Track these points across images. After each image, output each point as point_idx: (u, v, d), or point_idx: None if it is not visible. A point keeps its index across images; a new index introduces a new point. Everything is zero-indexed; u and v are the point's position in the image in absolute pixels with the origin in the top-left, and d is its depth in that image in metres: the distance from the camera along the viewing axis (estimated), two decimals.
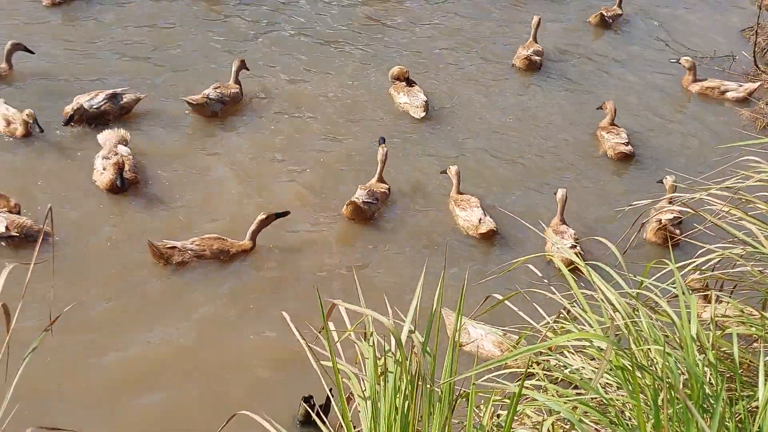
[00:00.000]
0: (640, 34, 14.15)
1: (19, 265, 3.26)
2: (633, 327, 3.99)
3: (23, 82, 10.39)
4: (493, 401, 4.04)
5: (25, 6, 11.85)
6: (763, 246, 4.66)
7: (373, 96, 11.33)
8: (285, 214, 8.74)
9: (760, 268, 4.84)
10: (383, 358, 3.96)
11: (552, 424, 3.93)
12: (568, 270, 4.34)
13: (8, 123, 9.34)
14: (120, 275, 8.03)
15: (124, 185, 8.84)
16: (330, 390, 4.30)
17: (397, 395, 3.83)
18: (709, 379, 3.87)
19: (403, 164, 10.14)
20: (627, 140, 10.85)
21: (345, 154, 10.16)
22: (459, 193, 9.51)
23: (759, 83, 12.41)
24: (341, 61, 11.95)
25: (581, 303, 4.20)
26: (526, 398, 3.98)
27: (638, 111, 12.01)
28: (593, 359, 4.20)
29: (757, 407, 3.77)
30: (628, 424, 3.78)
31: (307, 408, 6.50)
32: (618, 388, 4.00)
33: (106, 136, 9.34)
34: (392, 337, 3.87)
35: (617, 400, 3.93)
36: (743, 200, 5.16)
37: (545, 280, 4.94)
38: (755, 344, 4.69)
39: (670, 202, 9.22)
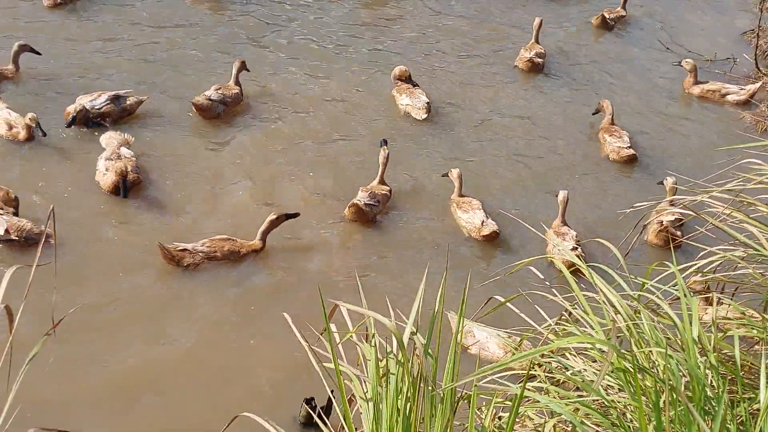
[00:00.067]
0: (642, 36, 14.16)
1: (19, 268, 3.27)
2: (634, 329, 3.99)
3: (24, 84, 10.40)
4: (495, 403, 4.04)
5: (26, 7, 11.87)
6: (764, 248, 4.66)
7: (375, 97, 11.34)
8: (295, 215, 8.76)
9: (761, 271, 4.84)
10: (385, 359, 3.97)
11: (554, 426, 3.93)
12: (570, 272, 4.34)
13: (10, 127, 9.33)
14: (122, 277, 8.04)
15: (126, 194, 8.82)
16: (331, 392, 4.31)
17: (399, 397, 3.84)
18: (711, 381, 3.87)
19: (405, 166, 10.14)
20: (629, 143, 10.85)
21: (346, 156, 10.18)
22: (461, 196, 9.52)
23: (760, 85, 12.42)
24: (343, 62, 11.96)
25: (583, 305, 4.20)
26: (528, 400, 3.98)
27: (639, 113, 12.02)
28: (595, 361, 4.20)
29: (758, 410, 3.77)
30: (629, 426, 3.78)
31: (309, 410, 6.50)
32: (620, 390, 4.00)
33: (109, 138, 9.34)
34: (394, 339, 3.88)
35: (619, 402, 3.93)
36: (745, 203, 5.16)
37: (547, 282, 4.94)
38: (757, 347, 4.69)
39: (671, 204, 9.22)
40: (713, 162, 9.66)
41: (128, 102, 10.01)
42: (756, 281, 4.80)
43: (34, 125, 9.23)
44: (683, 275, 4.32)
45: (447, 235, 9.20)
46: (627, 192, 10.25)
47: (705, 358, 3.92)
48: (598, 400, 3.92)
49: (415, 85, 11.26)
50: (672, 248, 5.23)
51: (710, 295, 5.35)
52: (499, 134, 11.07)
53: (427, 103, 11.01)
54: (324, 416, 5.30)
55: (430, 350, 3.89)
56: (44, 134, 9.27)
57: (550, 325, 4.58)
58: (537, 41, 12.67)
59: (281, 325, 4.66)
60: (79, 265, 8.04)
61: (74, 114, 9.61)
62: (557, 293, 4.63)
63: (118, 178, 8.80)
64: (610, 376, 4.00)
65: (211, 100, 10.20)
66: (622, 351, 3.85)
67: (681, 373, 3.78)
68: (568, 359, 4.26)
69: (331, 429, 4.47)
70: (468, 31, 13.32)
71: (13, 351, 3.20)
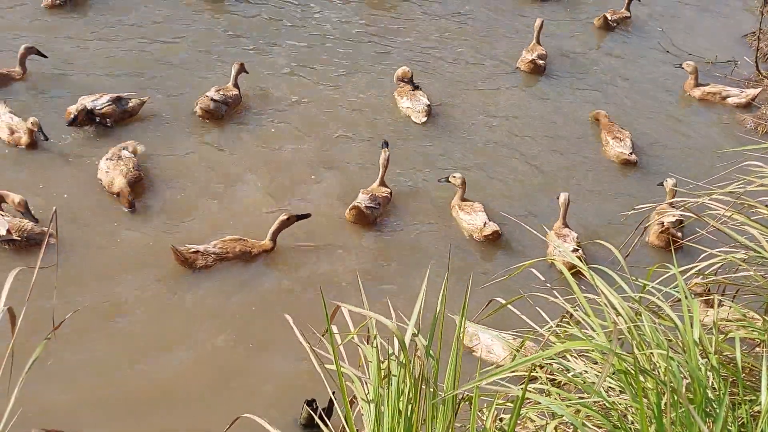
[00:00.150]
0: (643, 37, 14.16)
1: (21, 270, 3.27)
2: (635, 331, 4.00)
3: (26, 86, 10.40)
4: (497, 405, 4.04)
5: (24, 8, 11.86)
6: (765, 250, 4.67)
7: (377, 99, 11.34)
8: (306, 216, 8.78)
9: (762, 273, 4.84)
10: (387, 361, 3.97)
11: (555, 428, 3.94)
12: (571, 273, 4.35)
13: (12, 132, 9.32)
14: (125, 279, 8.04)
15: (133, 208, 8.85)
16: (333, 393, 4.31)
17: (401, 398, 3.84)
18: (712, 383, 3.88)
19: (405, 167, 10.15)
20: (631, 148, 10.84)
21: (347, 158, 10.17)
22: (463, 200, 9.52)
23: (761, 89, 12.42)
24: (344, 64, 11.96)
25: (584, 307, 4.20)
26: (529, 402, 3.98)
27: (640, 114, 12.02)
28: (596, 363, 4.20)
29: (759, 412, 3.77)
30: (630, 428, 3.79)
31: (310, 411, 6.51)
32: (621, 391, 4.01)
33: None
34: (396, 340, 3.88)
35: (620, 403, 3.93)
36: (746, 205, 5.17)
37: (548, 284, 4.94)
38: (758, 349, 4.70)
39: (671, 206, 9.23)
40: (714, 164, 9.74)
41: (130, 104, 10.01)
42: (757, 283, 4.81)
43: (35, 130, 9.22)
44: (684, 277, 4.33)
45: (448, 237, 9.21)
46: (628, 193, 10.26)
47: (706, 360, 3.92)
48: (599, 402, 3.92)
49: (416, 87, 11.25)
50: (672, 250, 5.23)
51: (711, 297, 5.35)
52: (500, 136, 11.08)
53: (428, 106, 11.01)
54: (325, 418, 5.32)
55: (431, 352, 3.90)
56: (46, 138, 9.27)
57: (552, 327, 4.58)
58: (538, 42, 12.67)
59: (283, 327, 4.66)
60: (81, 267, 8.04)
61: (75, 113, 9.61)
62: (558, 295, 4.63)
63: (125, 191, 8.81)
64: (612, 378, 4.00)
65: (214, 101, 10.21)
66: (623, 353, 3.86)
67: (682, 375, 3.78)
68: (569, 361, 4.27)
69: (332, 430, 4.48)
70: (469, 33, 13.32)
71: (14, 353, 3.21)
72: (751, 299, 5.04)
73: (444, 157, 10.42)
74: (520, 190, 10.17)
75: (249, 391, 7.13)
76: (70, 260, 8.02)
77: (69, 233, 8.28)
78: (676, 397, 3.52)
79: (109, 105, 9.83)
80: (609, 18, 14.01)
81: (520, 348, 4.75)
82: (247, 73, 10.85)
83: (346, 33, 12.74)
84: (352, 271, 8.40)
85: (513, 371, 4.74)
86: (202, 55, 11.58)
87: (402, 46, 12.69)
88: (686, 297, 3.99)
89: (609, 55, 13.47)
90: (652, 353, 3.96)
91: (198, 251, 8.22)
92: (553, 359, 4.28)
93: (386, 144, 9.73)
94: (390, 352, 3.98)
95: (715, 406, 3.66)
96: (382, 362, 3.98)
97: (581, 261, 4.77)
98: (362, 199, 9.14)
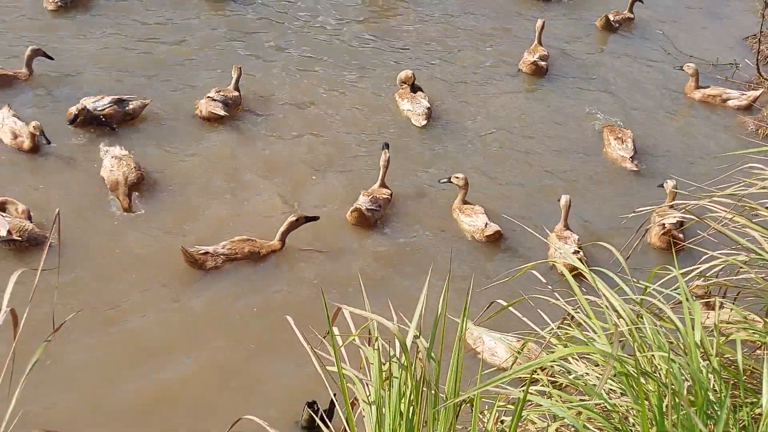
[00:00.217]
0: (645, 39, 14.15)
1: (23, 271, 3.27)
2: (637, 333, 4.00)
3: (28, 88, 10.41)
4: (498, 407, 4.04)
5: (28, 11, 11.87)
6: (766, 253, 4.67)
7: (378, 101, 11.34)
8: (315, 218, 8.81)
9: (763, 275, 4.85)
10: (388, 363, 3.97)
11: (556, 430, 3.94)
12: (572, 275, 4.35)
13: (15, 136, 9.30)
14: (126, 281, 8.05)
15: (130, 211, 8.86)
16: (334, 395, 4.32)
17: (402, 400, 3.84)
18: (713, 385, 3.88)
19: (405, 169, 10.15)
20: (633, 150, 10.84)
21: (347, 160, 10.18)
22: (464, 202, 9.52)
23: (761, 91, 12.42)
24: (345, 67, 11.95)
25: (585, 309, 4.21)
26: (531, 404, 3.99)
27: (641, 116, 12.02)
28: (597, 365, 4.20)
29: (760, 414, 3.77)
30: (632, 430, 3.79)
31: (311, 413, 6.51)
32: (622, 394, 4.01)
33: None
34: (397, 342, 3.89)
35: (621, 406, 3.93)
36: (747, 207, 5.17)
37: (549, 286, 4.95)
38: (759, 351, 4.70)
39: (671, 207, 9.25)
40: (715, 166, 9.74)
41: (131, 105, 10.01)
42: (758, 286, 4.81)
43: (38, 133, 9.20)
44: (685, 279, 4.33)
45: (449, 240, 9.21)
46: (629, 195, 10.26)
47: (707, 362, 3.92)
48: (600, 404, 3.92)
49: (417, 89, 11.25)
50: (674, 252, 5.24)
51: (711, 299, 5.36)
52: (501, 138, 11.07)
53: (428, 109, 11.00)
54: (326, 419, 5.31)
55: (432, 354, 3.90)
56: (48, 142, 9.26)
57: (553, 329, 4.59)
58: (540, 43, 12.67)
59: (284, 329, 4.67)
60: (82, 269, 8.04)
61: (76, 113, 9.62)
62: (559, 297, 4.64)
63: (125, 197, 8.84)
64: (613, 380, 4.01)
65: (213, 100, 10.23)
66: (625, 356, 3.86)
67: (683, 378, 3.79)
68: (570, 363, 4.27)
69: None
70: (470, 34, 13.31)
71: (15, 356, 3.21)
72: (753, 302, 5.05)
73: (444, 159, 10.42)
74: (520, 192, 10.17)
75: (250, 392, 7.14)
76: (72, 262, 8.01)
77: (71, 235, 8.27)
78: (677, 400, 3.52)
79: (110, 106, 9.84)
80: (612, 19, 14.00)
81: (521, 350, 4.75)
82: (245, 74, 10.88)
83: (347, 35, 12.74)
84: (353, 273, 8.40)
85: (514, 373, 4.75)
86: (204, 57, 11.58)
87: (403, 47, 12.67)
88: (687, 299, 3.99)
89: (611, 57, 13.46)
90: (653, 356, 3.96)
91: (207, 252, 8.26)
92: (554, 362, 4.29)
93: (387, 145, 9.74)
94: (391, 354, 3.98)
95: (716, 409, 3.66)
96: (384, 364, 3.99)
97: (582, 263, 4.78)
98: (363, 201, 9.14)
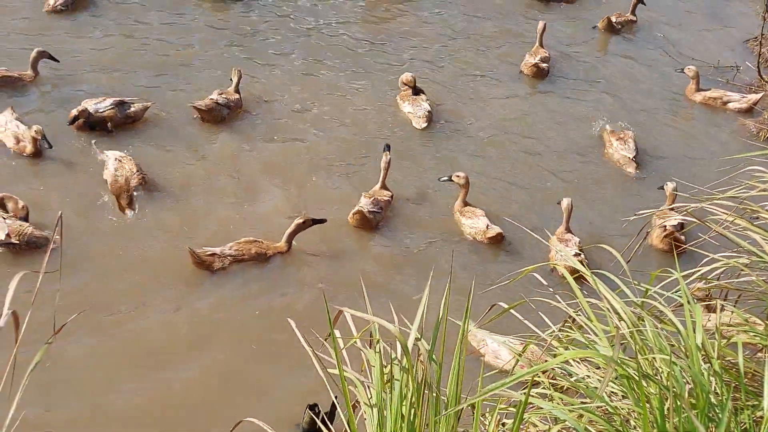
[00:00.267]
0: (647, 42, 14.15)
1: (25, 274, 3.27)
2: (638, 336, 4.00)
3: (31, 90, 10.41)
4: (499, 410, 4.04)
5: (27, 13, 11.87)
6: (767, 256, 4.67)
7: (379, 103, 11.34)
8: (322, 221, 8.85)
9: (764, 278, 4.85)
10: (389, 365, 3.97)
11: None
12: (573, 278, 4.35)
13: (18, 141, 9.29)
14: (128, 284, 8.05)
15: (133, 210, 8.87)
16: (335, 397, 4.32)
17: (404, 403, 3.84)
18: (715, 388, 3.88)
19: (407, 171, 10.15)
20: (635, 151, 10.84)
21: (348, 161, 10.18)
22: (465, 204, 9.52)
23: (762, 94, 12.42)
24: (347, 70, 11.96)
25: (586, 311, 4.21)
26: (532, 406, 3.98)
27: (642, 119, 12.02)
28: (598, 368, 4.20)
29: (762, 417, 3.77)
30: None
31: (312, 415, 6.51)
32: (623, 396, 4.01)
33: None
34: (398, 345, 3.89)
35: (622, 408, 3.93)
36: (748, 210, 5.17)
37: (550, 289, 4.95)
38: (760, 354, 4.70)
39: (671, 209, 9.26)
40: (716, 169, 9.73)
41: (133, 108, 10.02)
42: (759, 289, 4.81)
43: (40, 138, 9.19)
44: (686, 282, 4.33)
45: (450, 241, 9.21)
46: (630, 198, 10.26)
47: (708, 365, 3.92)
48: (602, 407, 3.92)
49: (419, 92, 11.25)
50: (675, 255, 5.24)
51: (713, 302, 5.36)
52: (502, 140, 11.08)
53: (428, 111, 11.01)
54: (327, 422, 5.31)
55: (434, 356, 3.90)
56: (50, 146, 9.25)
57: (554, 331, 4.59)
58: (541, 45, 12.68)
59: (285, 330, 4.67)
60: (84, 271, 8.04)
61: (76, 114, 9.63)
62: (560, 299, 4.64)
63: (125, 195, 8.84)
64: (614, 383, 4.01)
65: (216, 103, 10.25)
66: (626, 358, 3.86)
67: (685, 380, 3.79)
68: (571, 366, 4.27)
69: None
70: (472, 37, 13.31)
71: (16, 358, 3.20)
72: (754, 304, 5.05)
73: (445, 162, 10.41)
74: (522, 194, 10.17)
75: (251, 394, 7.14)
76: (75, 265, 8.01)
77: (74, 237, 8.28)
78: (679, 403, 3.52)
79: (111, 108, 9.84)
80: (613, 21, 14.01)
81: (522, 353, 4.74)
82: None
83: (348, 38, 12.74)
84: (354, 275, 8.39)
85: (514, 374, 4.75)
86: (205, 59, 11.59)
87: (405, 50, 12.68)
88: (689, 302, 3.99)
89: (612, 59, 13.47)
90: (654, 358, 3.96)
91: (214, 253, 8.30)
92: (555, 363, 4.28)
93: (388, 147, 9.74)
94: (393, 356, 3.98)
95: (717, 411, 3.66)
96: (385, 367, 3.98)
97: (583, 266, 4.78)
98: (365, 204, 9.14)
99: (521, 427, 3.98)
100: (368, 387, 4.01)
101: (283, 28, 12.66)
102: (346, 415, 4.02)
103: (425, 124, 10.96)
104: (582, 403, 3.91)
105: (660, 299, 4.34)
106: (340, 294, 8.14)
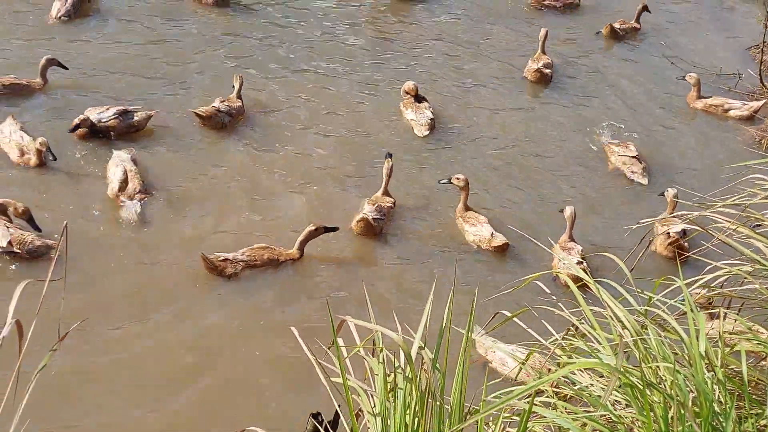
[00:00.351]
0: (649, 48, 14.16)
1: (29, 282, 3.27)
2: (641, 344, 4.00)
3: (32, 99, 10.42)
4: (503, 418, 4.04)
5: (31, 22, 11.89)
6: None
7: (381, 111, 11.36)
8: (334, 229, 8.87)
9: (767, 286, 4.84)
10: (393, 374, 3.97)
11: None
12: (576, 286, 4.35)
13: (22, 153, 9.25)
14: (132, 293, 8.05)
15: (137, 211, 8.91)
16: (338, 406, 4.31)
17: (407, 411, 3.84)
18: (718, 396, 3.87)
19: (409, 179, 10.16)
20: (636, 152, 10.86)
21: (351, 169, 10.19)
22: (467, 208, 9.53)
23: (764, 101, 12.42)
24: (350, 76, 11.97)
25: (590, 320, 4.21)
26: (536, 415, 3.98)
27: (644, 126, 12.03)
28: (602, 376, 4.20)
29: (765, 425, 3.77)
30: None
31: (316, 424, 6.49)
32: (627, 405, 4.00)
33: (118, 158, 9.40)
34: (402, 353, 3.89)
35: (626, 417, 3.93)
36: (751, 218, 5.17)
37: (553, 297, 4.95)
38: (763, 362, 4.69)
39: (671, 216, 9.26)
40: (718, 176, 9.74)
41: (136, 117, 10.02)
42: (762, 296, 4.81)
43: (44, 150, 9.17)
44: (689, 290, 4.33)
45: (452, 249, 9.21)
46: (633, 205, 10.26)
47: (712, 373, 3.92)
48: (605, 416, 3.92)
49: (422, 99, 11.27)
50: (678, 263, 5.24)
51: (716, 310, 5.36)
52: (504, 147, 11.09)
53: (431, 119, 11.03)
54: (330, 431, 5.30)
55: (437, 365, 3.90)
56: (54, 158, 9.22)
57: (557, 339, 4.59)
58: (543, 52, 12.71)
59: (289, 339, 4.67)
60: (88, 280, 8.03)
61: (78, 122, 9.63)
62: (564, 307, 4.64)
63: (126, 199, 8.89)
64: (618, 392, 4.00)
65: (218, 110, 10.27)
66: (629, 367, 3.86)
67: (688, 389, 3.78)
68: (575, 374, 4.26)
69: None
70: (474, 44, 13.33)
71: (20, 367, 3.20)
72: (757, 312, 5.04)
73: (447, 168, 10.36)
74: (524, 201, 10.17)
75: (254, 403, 7.13)
76: (79, 276, 7.98)
77: (79, 247, 8.23)
78: (682, 411, 3.52)
79: (114, 118, 9.85)
80: (617, 27, 14.03)
81: (526, 361, 4.74)
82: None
83: (350, 45, 12.75)
84: (357, 283, 8.40)
85: (518, 383, 4.75)
86: (208, 68, 11.58)
87: (407, 57, 12.68)
88: (692, 310, 3.99)
89: (614, 66, 13.48)
90: (658, 366, 3.96)
91: (227, 259, 8.33)
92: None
93: (390, 155, 9.75)
94: (396, 365, 3.98)
95: (721, 420, 3.65)
96: (389, 375, 3.98)
97: (586, 273, 4.78)
98: (369, 210, 9.15)
99: None
100: (372, 396, 4.01)
101: (286, 36, 12.66)
102: (349, 424, 4.01)
103: (427, 132, 10.97)
104: (585, 411, 3.90)
105: (663, 307, 4.34)
106: (344, 302, 8.14)
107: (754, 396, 4.14)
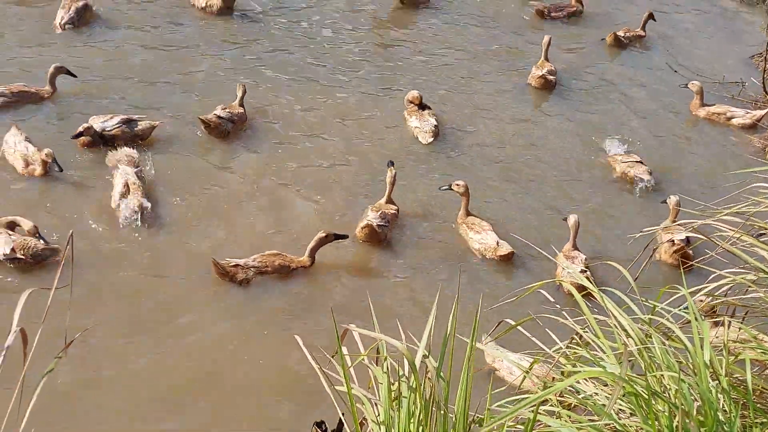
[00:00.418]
0: (653, 56, 14.18)
1: (33, 290, 3.27)
2: (646, 353, 3.99)
3: (38, 107, 10.44)
4: (507, 427, 4.03)
5: (35, 29, 11.93)
6: None
7: (385, 119, 11.37)
8: (344, 236, 8.89)
9: None
10: (397, 382, 3.97)
11: None
12: (580, 295, 4.35)
13: (27, 164, 9.23)
14: (136, 301, 8.06)
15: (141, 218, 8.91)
16: (342, 414, 4.31)
17: (411, 420, 3.84)
18: (723, 405, 3.87)
19: (413, 186, 10.17)
20: (640, 160, 10.87)
21: (355, 177, 10.20)
22: (468, 213, 9.53)
23: (767, 110, 12.42)
24: (353, 85, 12.00)
25: (594, 328, 4.20)
26: (540, 424, 3.98)
27: (648, 134, 12.04)
28: (606, 385, 4.19)
29: None
30: None
31: None
32: (631, 414, 4.00)
33: (119, 158, 9.40)
34: (406, 362, 3.88)
35: (631, 426, 3.92)
36: (755, 226, 5.17)
37: (557, 306, 4.95)
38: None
39: (674, 223, 9.26)
40: (722, 185, 9.74)
41: (140, 126, 10.03)
42: (767, 305, 4.80)
43: (50, 161, 9.16)
44: (693, 298, 4.32)
45: (456, 257, 9.21)
46: (637, 214, 10.26)
47: (717, 382, 3.91)
48: (610, 425, 3.91)
49: (426, 107, 11.29)
50: (682, 271, 5.23)
51: (721, 318, 5.35)
52: (508, 155, 11.10)
53: (435, 126, 11.05)
54: None
55: (442, 373, 3.89)
56: (60, 170, 9.20)
57: (561, 348, 4.58)
58: (547, 59, 12.73)
59: (292, 348, 4.67)
60: (93, 288, 8.03)
61: (81, 130, 9.65)
62: (568, 316, 4.64)
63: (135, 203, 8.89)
64: (622, 400, 4.00)
65: (219, 117, 10.29)
66: (634, 375, 3.85)
67: (693, 398, 3.78)
68: (579, 383, 4.26)
69: None
70: (477, 52, 13.35)
71: (24, 377, 3.20)
72: (761, 321, 5.04)
73: (451, 176, 10.35)
74: (528, 209, 10.18)
75: (258, 411, 7.13)
76: (83, 284, 7.98)
77: (84, 257, 8.24)
78: (687, 420, 3.51)
79: (118, 127, 9.87)
80: (621, 36, 14.05)
81: (529, 369, 4.74)
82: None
83: (354, 53, 12.77)
84: (361, 291, 8.40)
85: (522, 391, 4.75)
86: (212, 77, 11.61)
87: (411, 65, 12.71)
88: (696, 318, 3.99)
89: (618, 73, 13.49)
90: (662, 375, 3.95)
91: (238, 265, 8.34)
92: (563, 380, 4.27)
93: (391, 163, 9.76)
94: (400, 373, 3.98)
95: (726, 429, 3.65)
96: (393, 384, 3.98)
97: (590, 282, 4.78)
98: (373, 217, 9.16)
99: None
100: (376, 404, 4.01)
101: (290, 45, 12.68)
102: None
103: (431, 139, 10.99)
104: (590, 420, 3.90)
105: (667, 316, 4.34)
106: (348, 310, 8.14)
107: (758, 405, 4.14)
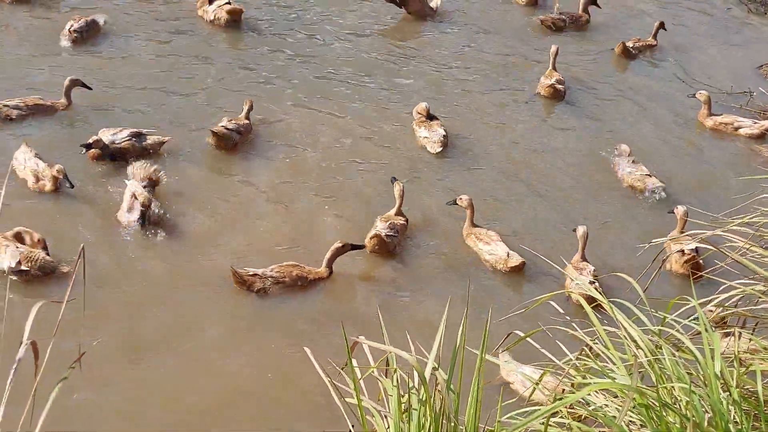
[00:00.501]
0: (662, 66, 14.18)
1: (44, 303, 3.28)
2: (656, 364, 3.99)
3: (43, 120, 10.48)
4: None
5: (44, 42, 12.00)
6: None
7: (394, 129, 11.39)
8: (361, 246, 8.94)
9: None
10: (407, 395, 3.97)
11: None
12: (590, 306, 4.35)
13: (37, 179, 9.22)
14: (147, 313, 8.07)
15: (144, 222, 8.90)
16: (352, 427, 4.31)
17: None
18: (734, 417, 3.86)
19: (421, 197, 10.17)
20: (648, 172, 10.86)
21: (363, 188, 10.21)
22: (474, 225, 9.53)
23: None
24: (362, 96, 12.02)
25: (603, 340, 4.20)
26: None
27: (656, 144, 12.03)
28: (616, 396, 4.19)
29: None
30: None
31: None
32: (642, 425, 3.99)
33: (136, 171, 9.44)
34: (416, 374, 3.89)
35: None
36: (765, 237, 5.17)
37: (567, 317, 4.94)
38: None
39: (682, 233, 9.24)
40: (729, 195, 9.72)
41: (149, 141, 10.05)
42: None
43: (61, 177, 9.14)
44: (703, 309, 4.32)
45: (465, 268, 9.20)
46: (646, 224, 10.23)
47: (727, 393, 3.90)
48: None
49: (434, 118, 11.32)
50: (692, 282, 5.23)
51: (731, 329, 5.34)
52: (517, 165, 11.10)
53: (444, 136, 11.06)
54: None
55: (452, 386, 3.89)
56: (72, 186, 9.16)
57: (571, 359, 4.58)
58: (554, 69, 12.75)
59: (302, 360, 4.68)
60: (104, 301, 8.01)
61: (90, 142, 9.67)
62: (577, 328, 4.63)
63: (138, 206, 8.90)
64: (633, 412, 3.99)
65: (225, 128, 10.33)
66: (644, 387, 3.85)
67: (704, 409, 3.77)
68: (589, 395, 4.25)
69: None
70: (484, 62, 13.37)
71: (36, 390, 3.21)
72: None
73: (460, 187, 10.36)
74: (536, 220, 10.16)
75: (268, 423, 7.12)
76: (94, 295, 7.98)
77: (95, 272, 8.20)
78: None
79: (127, 140, 9.89)
80: (630, 46, 14.06)
81: (539, 381, 4.73)
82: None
83: (364, 64, 12.81)
84: (371, 301, 8.40)
85: (532, 402, 4.74)
86: (220, 90, 11.65)
87: (418, 77, 12.74)
88: (707, 329, 3.98)
89: (627, 83, 13.49)
90: (673, 387, 3.94)
91: (256, 274, 8.37)
92: (573, 391, 4.27)
93: (395, 179, 9.77)
94: (410, 385, 3.98)
95: None
96: (403, 396, 3.98)
97: (600, 294, 4.78)
98: (382, 228, 9.16)
99: None
100: (386, 417, 4.01)
101: (297, 54, 12.73)
102: None
103: (440, 149, 11.00)
104: None
105: (678, 327, 4.33)
106: (357, 321, 8.13)
107: None
